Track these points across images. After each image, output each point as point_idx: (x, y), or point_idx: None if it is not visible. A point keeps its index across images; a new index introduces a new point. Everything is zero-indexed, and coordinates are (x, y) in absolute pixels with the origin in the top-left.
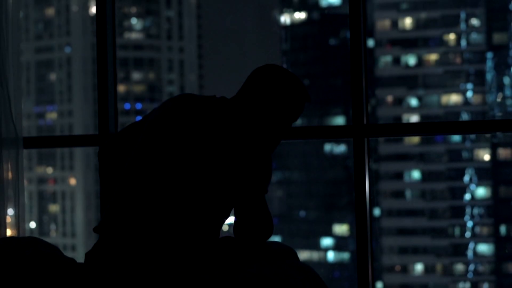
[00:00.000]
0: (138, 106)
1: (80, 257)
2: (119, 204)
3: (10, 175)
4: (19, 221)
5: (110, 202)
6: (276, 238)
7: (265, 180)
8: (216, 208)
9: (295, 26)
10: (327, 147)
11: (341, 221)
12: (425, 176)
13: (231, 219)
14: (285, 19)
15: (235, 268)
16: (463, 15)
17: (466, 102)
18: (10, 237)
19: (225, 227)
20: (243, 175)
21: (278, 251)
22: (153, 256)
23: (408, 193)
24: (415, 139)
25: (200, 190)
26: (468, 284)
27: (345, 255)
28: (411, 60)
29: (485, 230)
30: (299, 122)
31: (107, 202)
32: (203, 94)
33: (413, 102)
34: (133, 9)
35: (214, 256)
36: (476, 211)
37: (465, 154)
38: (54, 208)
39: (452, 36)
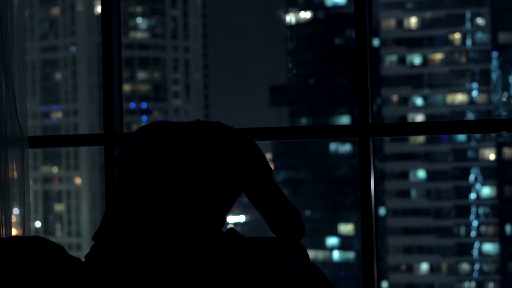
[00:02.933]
0: (144, 105)
1: None
2: (119, 208)
3: (15, 174)
4: (25, 220)
5: (110, 208)
6: None
7: (258, 163)
8: (215, 205)
9: (300, 25)
10: (333, 146)
11: (346, 220)
12: (431, 176)
13: (235, 219)
14: (290, 18)
15: (238, 261)
16: (468, 15)
17: (471, 101)
18: (16, 237)
19: (230, 227)
20: (234, 166)
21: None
22: (157, 254)
23: (413, 193)
24: (421, 139)
25: (196, 188)
26: (473, 284)
27: (351, 255)
28: (417, 59)
29: (490, 230)
30: (304, 121)
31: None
32: (209, 93)
33: (419, 101)
34: (139, 9)
35: (218, 250)
36: (481, 210)
37: (470, 154)
38: (59, 207)
39: (457, 36)
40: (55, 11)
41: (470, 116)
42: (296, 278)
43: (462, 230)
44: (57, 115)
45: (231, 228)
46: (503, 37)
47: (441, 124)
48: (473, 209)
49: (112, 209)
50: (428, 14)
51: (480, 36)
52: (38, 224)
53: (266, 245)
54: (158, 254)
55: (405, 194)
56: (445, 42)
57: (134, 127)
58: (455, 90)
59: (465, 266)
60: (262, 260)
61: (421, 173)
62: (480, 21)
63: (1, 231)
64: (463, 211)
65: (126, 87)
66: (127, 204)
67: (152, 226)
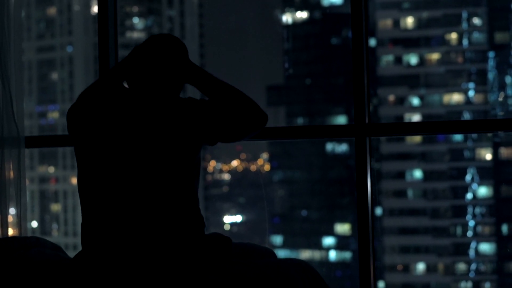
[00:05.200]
0: None
1: None
2: (98, 216)
3: (12, 174)
4: (21, 220)
5: (87, 213)
6: (278, 238)
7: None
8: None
9: (297, 25)
10: (329, 146)
11: (343, 220)
12: (427, 176)
13: (232, 219)
14: (287, 18)
15: (234, 262)
16: (465, 15)
17: (468, 101)
18: (14, 237)
19: (227, 227)
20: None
21: (256, 252)
22: (150, 253)
23: (410, 193)
24: (417, 138)
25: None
26: (470, 284)
27: (347, 255)
28: (413, 59)
29: (486, 229)
30: (300, 121)
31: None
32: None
33: (415, 101)
34: (135, 8)
35: (208, 250)
36: (477, 210)
37: (467, 154)
38: (55, 207)
39: (454, 36)
40: (52, 11)
41: (466, 116)
42: (291, 277)
43: (459, 230)
44: (54, 115)
45: (215, 232)
46: (499, 37)
47: (438, 124)
48: (470, 209)
49: (88, 204)
50: (425, 14)
51: (476, 36)
52: (34, 224)
53: (251, 249)
54: (151, 253)
55: (401, 194)
56: (442, 42)
57: None
58: (451, 90)
59: (461, 266)
60: (257, 260)
61: (418, 173)
62: (476, 21)
63: None
64: (460, 211)
65: None
66: (100, 196)
67: (136, 222)
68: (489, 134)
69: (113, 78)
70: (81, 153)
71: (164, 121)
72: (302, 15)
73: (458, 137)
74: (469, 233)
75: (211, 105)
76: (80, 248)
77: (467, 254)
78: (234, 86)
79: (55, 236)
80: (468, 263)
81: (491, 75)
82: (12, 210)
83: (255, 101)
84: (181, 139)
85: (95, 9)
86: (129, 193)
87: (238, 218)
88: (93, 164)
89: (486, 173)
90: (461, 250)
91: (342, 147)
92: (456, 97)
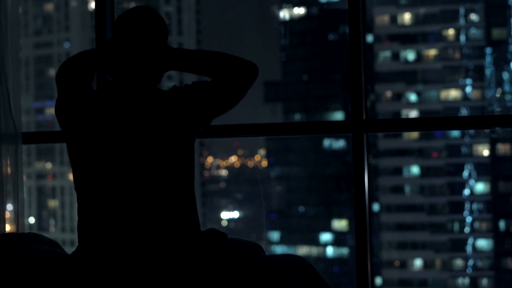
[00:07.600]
0: None
1: None
2: (95, 212)
3: (9, 170)
4: (18, 216)
5: (85, 211)
6: (275, 234)
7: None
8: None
9: (294, 21)
10: (326, 142)
11: (340, 216)
12: (424, 172)
13: (229, 215)
14: (284, 14)
15: (232, 258)
16: (462, 11)
17: (465, 97)
18: (11, 233)
19: (224, 223)
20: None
21: (245, 247)
22: (149, 251)
23: (407, 189)
24: (414, 135)
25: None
26: (467, 280)
27: (344, 251)
28: (410, 55)
29: (484, 226)
30: (298, 117)
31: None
32: None
33: (412, 97)
34: (132, 4)
35: (200, 246)
36: (475, 206)
37: (464, 150)
38: (53, 203)
39: (451, 32)
40: (49, 7)
41: (463, 112)
42: (288, 273)
43: (456, 226)
44: (51, 111)
45: (212, 228)
46: (496, 33)
47: (435, 120)
48: (467, 205)
49: (85, 202)
50: (422, 10)
51: (474, 32)
52: (32, 220)
53: (246, 245)
54: (148, 250)
55: (398, 190)
56: (439, 38)
57: None
58: (448, 86)
59: (459, 262)
60: (254, 257)
61: (415, 169)
62: (474, 17)
63: None
64: (457, 207)
65: None
66: (98, 194)
67: (132, 219)
68: (487, 130)
69: (92, 67)
70: (74, 151)
71: (155, 115)
72: (299, 11)
73: (455, 133)
74: (467, 229)
75: (199, 82)
76: (76, 244)
77: (464, 250)
78: (212, 51)
79: (53, 232)
80: (466, 259)
81: (488, 71)
82: (9, 206)
83: (240, 58)
84: (174, 132)
85: (92, 5)
86: (124, 189)
87: (235, 214)
88: (87, 162)
89: (483, 169)
90: (458, 246)
91: (340, 143)
92: (453, 93)
